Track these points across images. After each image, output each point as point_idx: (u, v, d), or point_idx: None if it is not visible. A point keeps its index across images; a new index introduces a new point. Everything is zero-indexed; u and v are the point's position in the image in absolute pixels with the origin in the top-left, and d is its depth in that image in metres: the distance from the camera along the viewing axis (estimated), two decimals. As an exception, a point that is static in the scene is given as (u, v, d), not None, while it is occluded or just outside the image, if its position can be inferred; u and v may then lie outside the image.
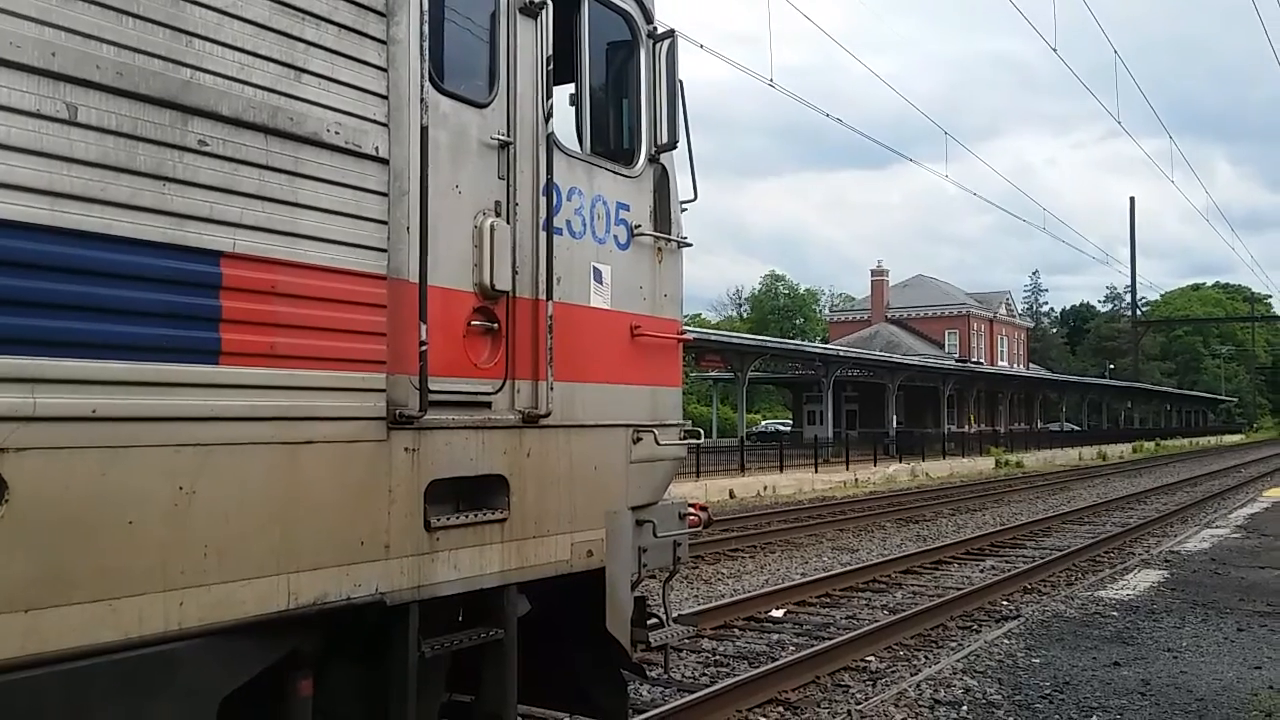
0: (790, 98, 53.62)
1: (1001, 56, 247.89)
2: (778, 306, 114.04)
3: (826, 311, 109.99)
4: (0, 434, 3.04)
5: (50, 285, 3.17)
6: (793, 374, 53.69)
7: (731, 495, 30.08)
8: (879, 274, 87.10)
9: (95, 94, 3.30)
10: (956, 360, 72.09)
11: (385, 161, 4.29)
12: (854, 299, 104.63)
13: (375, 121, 4.26)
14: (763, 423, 76.19)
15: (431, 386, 4.36)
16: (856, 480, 37.75)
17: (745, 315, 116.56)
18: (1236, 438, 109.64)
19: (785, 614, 12.33)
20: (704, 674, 9.39)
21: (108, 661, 3.30)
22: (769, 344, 46.45)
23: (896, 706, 7.63)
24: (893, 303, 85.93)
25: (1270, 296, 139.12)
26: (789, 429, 65.83)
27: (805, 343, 72.50)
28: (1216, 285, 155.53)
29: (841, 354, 49.92)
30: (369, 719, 4.51)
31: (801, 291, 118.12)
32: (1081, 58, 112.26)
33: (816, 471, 37.09)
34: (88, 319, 3.26)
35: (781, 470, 35.59)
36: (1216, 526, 20.04)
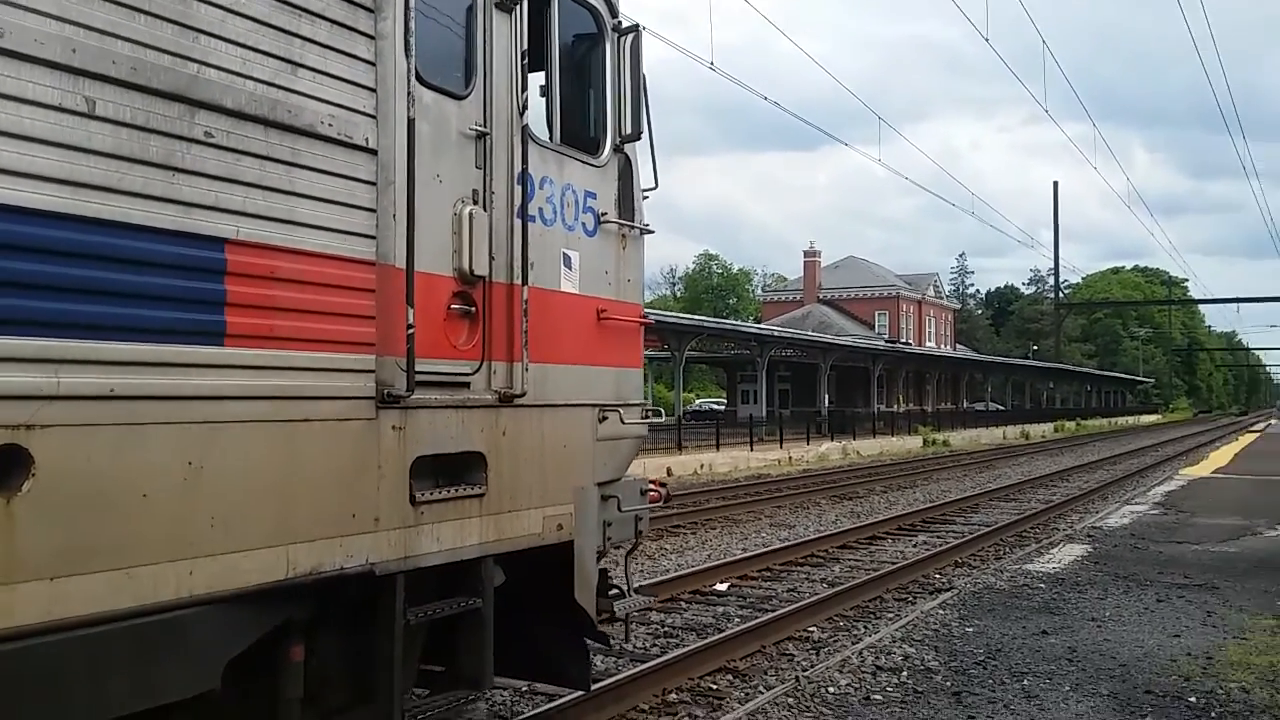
0: (729, 80, 54.01)
1: (929, 39, 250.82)
2: (711, 286, 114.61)
3: (760, 292, 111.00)
4: (27, 411, 3.21)
5: (73, 270, 3.34)
6: (728, 354, 54.31)
7: (670, 473, 30.42)
8: (811, 255, 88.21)
9: (112, 88, 3.46)
10: (886, 341, 73.40)
11: (374, 152, 4.48)
12: (786, 279, 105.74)
13: (365, 114, 4.44)
14: (696, 402, 76.80)
15: (416, 367, 4.57)
16: (790, 458, 38.38)
17: (679, 294, 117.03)
18: (1153, 418, 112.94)
19: (729, 588, 12.69)
20: (654, 644, 9.71)
21: (125, 627, 3.48)
22: (707, 324, 46.88)
23: (840, 672, 8.01)
24: (825, 284, 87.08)
25: (1187, 280, 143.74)
26: (723, 408, 66.50)
27: (741, 323, 73.20)
28: (1135, 269, 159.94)
29: (776, 334, 50.58)
30: (355, 684, 4.73)
31: (735, 271, 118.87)
32: (1006, 42, 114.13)
33: (752, 450, 37.62)
34: (106, 302, 3.43)
35: (718, 449, 36.06)
36: (1136, 503, 20.82)
